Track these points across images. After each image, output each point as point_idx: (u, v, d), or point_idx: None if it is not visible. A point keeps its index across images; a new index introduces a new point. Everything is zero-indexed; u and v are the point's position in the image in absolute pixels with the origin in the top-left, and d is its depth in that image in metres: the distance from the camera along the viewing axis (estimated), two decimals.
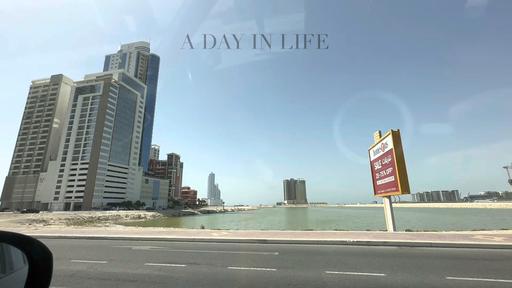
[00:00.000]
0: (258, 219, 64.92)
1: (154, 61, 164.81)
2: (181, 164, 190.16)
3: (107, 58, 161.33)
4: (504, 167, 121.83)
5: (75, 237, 15.97)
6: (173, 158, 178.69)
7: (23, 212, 69.08)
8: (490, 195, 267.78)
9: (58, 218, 48.57)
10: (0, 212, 72.44)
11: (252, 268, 7.62)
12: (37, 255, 1.53)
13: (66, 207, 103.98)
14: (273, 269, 7.46)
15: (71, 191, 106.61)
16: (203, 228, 24.28)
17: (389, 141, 17.18)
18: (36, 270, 1.51)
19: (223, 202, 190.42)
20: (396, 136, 16.75)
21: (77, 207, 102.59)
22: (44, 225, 34.87)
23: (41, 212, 75.00)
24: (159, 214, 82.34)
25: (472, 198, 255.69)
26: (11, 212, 72.16)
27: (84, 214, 62.66)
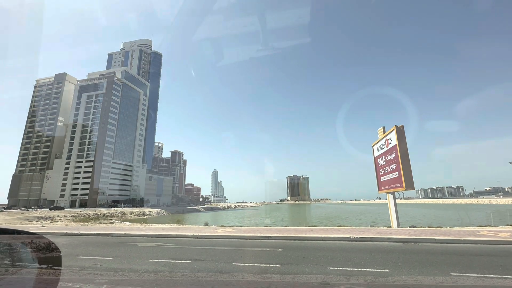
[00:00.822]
0: (262, 215, 65.24)
1: (156, 58, 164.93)
2: (185, 161, 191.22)
3: (110, 56, 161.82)
4: (510, 162, 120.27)
5: (81, 234, 16.21)
6: (176, 155, 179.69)
7: (50, 209, 70.76)
8: (496, 191, 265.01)
9: (64, 215, 49.31)
10: (8, 210, 73.65)
11: (256, 264, 7.68)
12: (46, 252, 1.56)
13: (72, 205, 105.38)
14: (277, 265, 7.52)
15: (77, 189, 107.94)
16: (207, 224, 24.47)
17: (393, 137, 17.06)
18: (44, 266, 1.54)
19: (227, 199, 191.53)
20: (400, 132, 16.62)
21: (83, 204, 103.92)
22: (50, 222, 35.47)
23: (66, 209, 76.70)
24: (163, 211, 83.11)
25: (477, 194, 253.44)
26: (18, 210, 73.35)
27: (90, 211, 63.48)
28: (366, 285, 5.63)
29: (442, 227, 16.67)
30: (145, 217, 62.72)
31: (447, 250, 9.41)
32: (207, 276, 6.40)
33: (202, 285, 5.66)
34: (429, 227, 17.42)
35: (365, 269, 6.92)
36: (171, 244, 12.02)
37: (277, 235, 13.02)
